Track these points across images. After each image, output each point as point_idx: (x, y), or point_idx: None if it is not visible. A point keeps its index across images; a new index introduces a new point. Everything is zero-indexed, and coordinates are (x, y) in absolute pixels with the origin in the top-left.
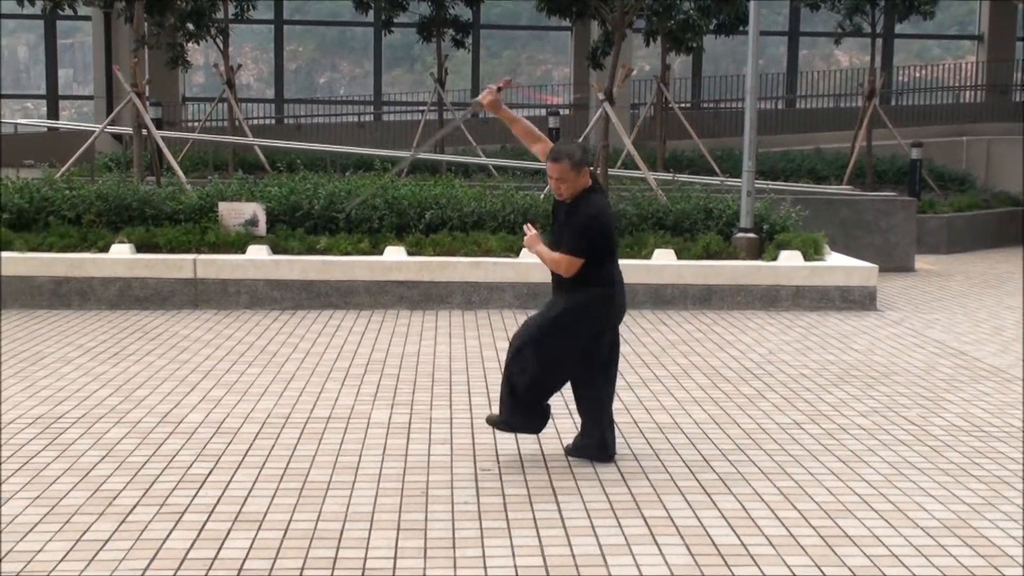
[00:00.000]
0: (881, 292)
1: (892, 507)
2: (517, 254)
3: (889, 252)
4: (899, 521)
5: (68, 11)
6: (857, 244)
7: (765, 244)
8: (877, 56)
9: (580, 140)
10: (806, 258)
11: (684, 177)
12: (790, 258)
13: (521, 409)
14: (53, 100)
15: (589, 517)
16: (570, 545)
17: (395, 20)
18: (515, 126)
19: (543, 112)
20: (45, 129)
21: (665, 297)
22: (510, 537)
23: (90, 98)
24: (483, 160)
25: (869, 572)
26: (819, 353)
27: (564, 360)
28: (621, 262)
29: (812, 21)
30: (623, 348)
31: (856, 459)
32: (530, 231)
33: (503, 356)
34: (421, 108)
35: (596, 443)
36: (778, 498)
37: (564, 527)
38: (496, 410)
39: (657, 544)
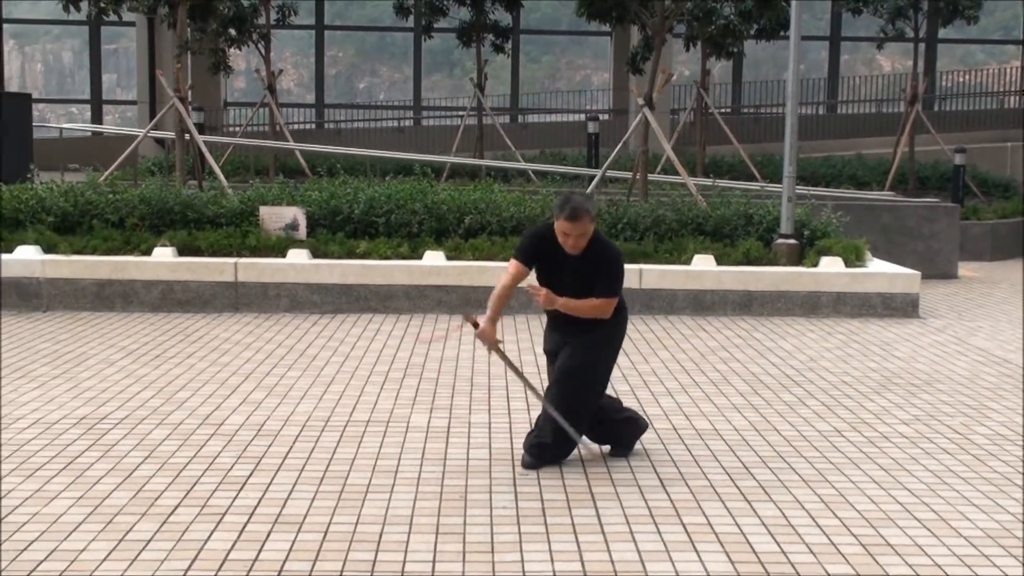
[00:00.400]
0: (924, 299)
1: (935, 516)
2: None
3: (932, 259)
4: (942, 530)
5: (113, 17)
6: (899, 251)
7: (806, 250)
8: (920, 61)
9: (619, 146)
10: (847, 264)
11: (724, 182)
12: (831, 264)
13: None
14: (97, 105)
15: (628, 523)
16: (609, 551)
17: (435, 25)
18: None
19: (582, 117)
20: (89, 133)
21: (705, 303)
22: (548, 542)
23: (133, 103)
24: (522, 165)
25: None
26: (860, 360)
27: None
28: (661, 267)
29: (854, 26)
30: (663, 354)
31: (898, 467)
32: (539, 291)
33: (542, 361)
34: (460, 113)
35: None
36: (819, 506)
37: (603, 532)
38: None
39: (696, 551)
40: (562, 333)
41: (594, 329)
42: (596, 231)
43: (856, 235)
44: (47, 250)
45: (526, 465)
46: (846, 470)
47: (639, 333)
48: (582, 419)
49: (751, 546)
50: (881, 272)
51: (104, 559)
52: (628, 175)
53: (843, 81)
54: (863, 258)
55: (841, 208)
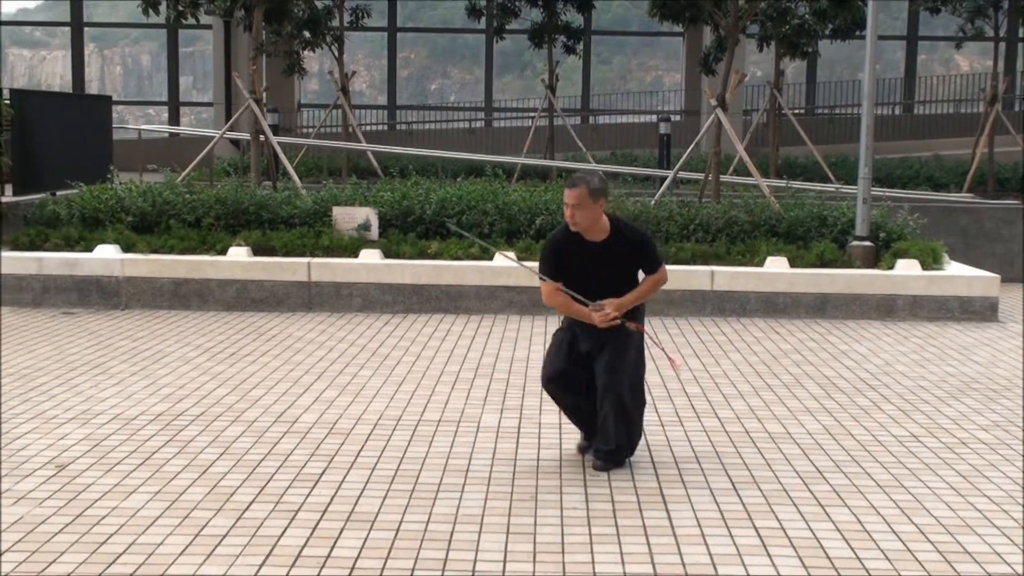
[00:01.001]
0: (1003, 303)
1: (1015, 524)
2: None
3: (1011, 262)
4: (1021, 538)
5: (190, 20)
6: (978, 253)
7: (881, 253)
8: (1000, 60)
9: (691, 147)
10: (924, 267)
11: (797, 184)
12: (907, 267)
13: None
14: (174, 107)
15: (700, 526)
16: (680, 553)
17: (507, 27)
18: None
19: (653, 118)
20: (167, 135)
21: (777, 305)
22: (619, 543)
23: (209, 105)
24: (593, 166)
25: None
26: (938, 365)
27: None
28: (733, 269)
29: (931, 25)
30: (735, 356)
31: (977, 474)
32: (600, 311)
33: None
34: (531, 114)
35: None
36: (895, 512)
37: (674, 535)
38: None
39: (769, 555)
40: (597, 334)
41: (620, 330)
42: (617, 217)
43: (933, 237)
44: (126, 249)
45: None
46: (923, 476)
47: (711, 335)
48: (642, 406)
49: (825, 551)
50: (959, 275)
51: (180, 553)
52: (700, 176)
53: (920, 81)
54: (940, 261)
55: (918, 210)
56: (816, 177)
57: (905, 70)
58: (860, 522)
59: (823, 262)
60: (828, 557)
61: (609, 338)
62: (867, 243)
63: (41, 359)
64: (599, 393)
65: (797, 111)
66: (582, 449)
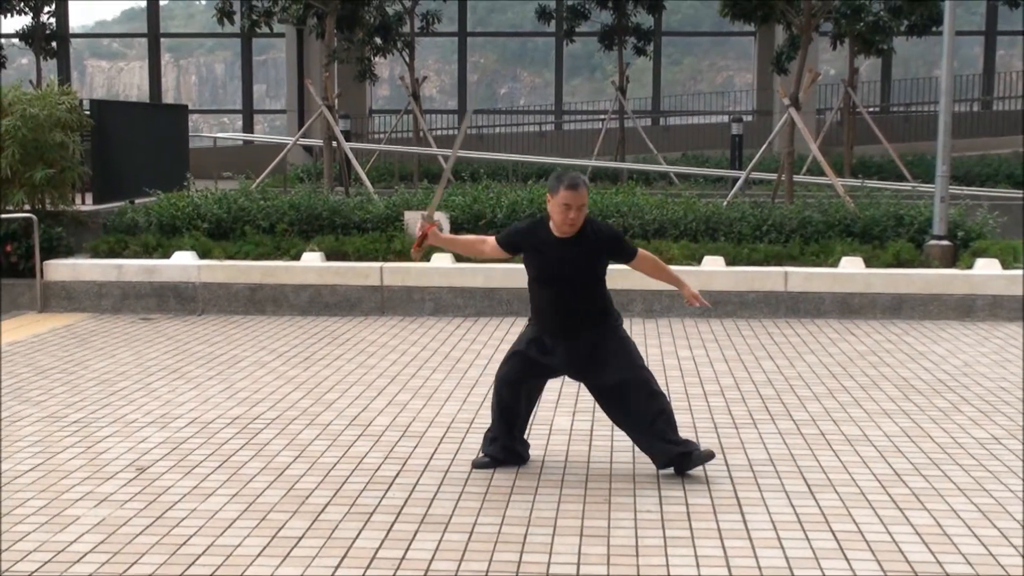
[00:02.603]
0: None
1: None
2: (699, 262)
3: None
4: None
5: (264, 29)
6: None
7: (960, 252)
8: None
9: (763, 147)
10: (1004, 266)
11: (873, 183)
12: (987, 266)
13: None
14: (248, 114)
15: (775, 529)
16: (756, 557)
17: (576, 29)
18: (455, 246)
19: (725, 119)
20: (241, 142)
21: (853, 306)
22: (694, 547)
23: (282, 112)
24: (664, 167)
25: None
26: (1018, 366)
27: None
28: (808, 269)
29: (1010, 19)
30: (809, 358)
31: None
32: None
33: (685, 365)
34: (601, 116)
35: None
36: (976, 515)
37: (750, 538)
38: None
39: (847, 559)
40: (571, 350)
41: (615, 324)
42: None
43: (1014, 236)
44: (202, 255)
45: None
46: (1005, 479)
47: (784, 336)
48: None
49: (904, 555)
50: None
51: (258, 555)
52: (773, 176)
53: (999, 77)
54: (1021, 260)
55: (997, 208)
56: (892, 176)
57: (984, 66)
58: (940, 526)
59: (900, 262)
60: (907, 561)
61: (592, 355)
62: (945, 242)
63: (121, 364)
64: (632, 415)
65: (872, 109)
66: (481, 464)
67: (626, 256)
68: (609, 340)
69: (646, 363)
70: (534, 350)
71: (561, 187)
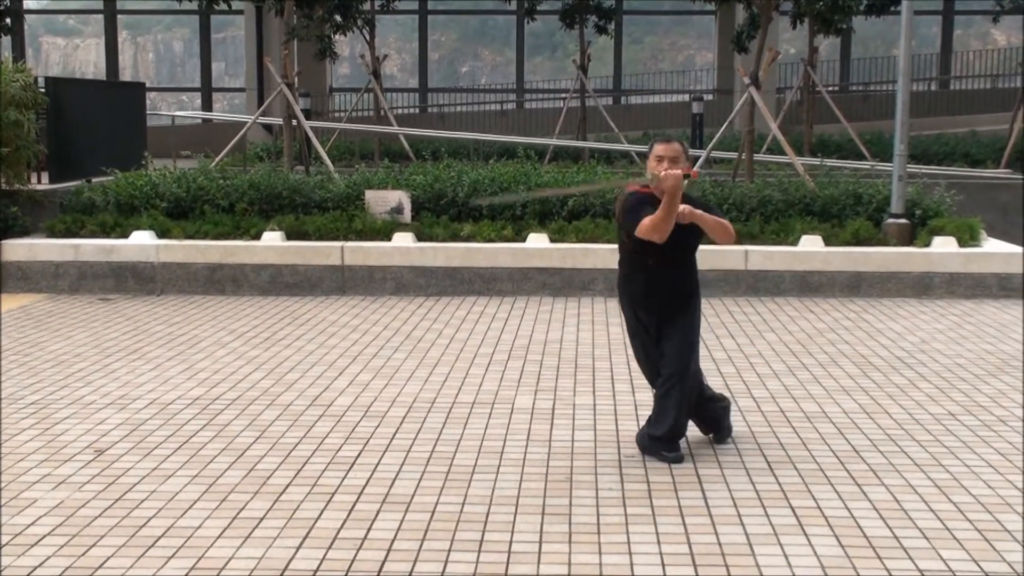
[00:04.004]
0: None
1: None
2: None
3: None
4: None
5: (222, 6)
6: (1016, 230)
7: (917, 230)
8: None
9: (724, 126)
10: (961, 244)
11: (832, 162)
12: (944, 244)
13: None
14: (207, 93)
15: (736, 506)
16: (716, 533)
17: (538, 7)
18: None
19: (686, 98)
20: (200, 121)
21: (812, 284)
22: (655, 524)
23: (242, 90)
24: (625, 146)
25: None
26: (975, 343)
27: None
28: (768, 248)
29: None
30: (769, 336)
31: (1015, 452)
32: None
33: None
34: (563, 95)
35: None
36: (932, 490)
37: (710, 515)
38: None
39: (806, 535)
40: (660, 312)
41: (687, 307)
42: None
43: (971, 214)
44: (161, 235)
45: (679, 460)
46: (961, 454)
47: (745, 315)
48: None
49: (862, 530)
50: (997, 252)
51: (218, 536)
52: (734, 155)
53: (956, 56)
54: (978, 238)
55: (954, 187)
56: (851, 155)
57: (941, 45)
58: (897, 501)
59: (858, 240)
60: (865, 536)
61: (675, 314)
62: (903, 221)
63: (78, 345)
64: (664, 376)
65: (831, 88)
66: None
67: (719, 217)
68: (684, 312)
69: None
70: (639, 342)
71: (657, 143)
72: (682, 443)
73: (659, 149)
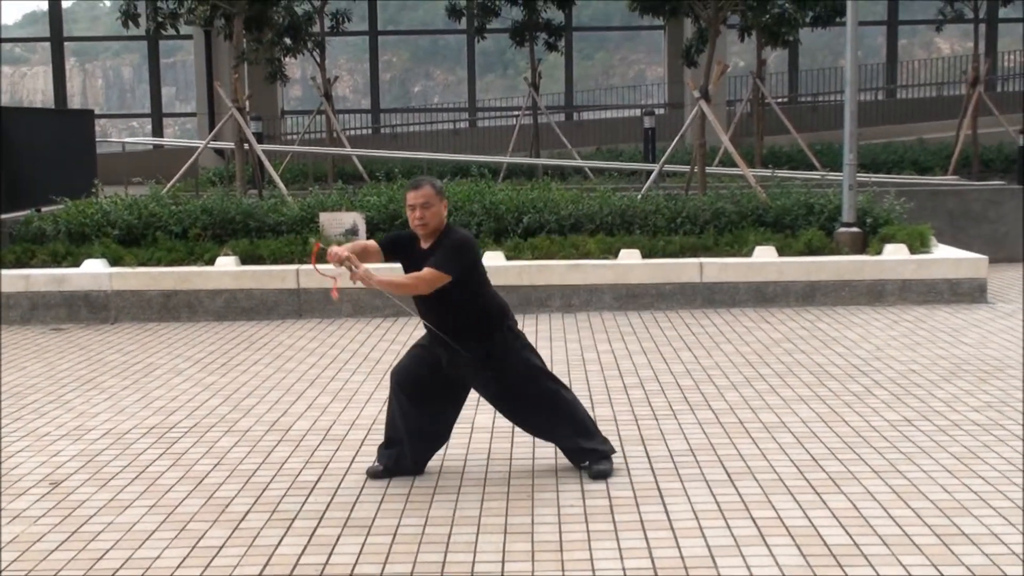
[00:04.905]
0: (992, 284)
1: (1011, 504)
2: (616, 256)
3: (999, 242)
4: (1019, 519)
5: (171, 31)
6: (965, 235)
7: (869, 238)
8: (981, 42)
9: (675, 140)
10: (912, 251)
11: (783, 173)
12: (895, 251)
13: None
14: (157, 118)
15: (697, 519)
16: (678, 547)
17: (488, 26)
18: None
19: (638, 112)
20: (151, 147)
21: (767, 295)
22: (617, 539)
23: (193, 115)
24: (579, 163)
25: (988, 571)
26: (928, 348)
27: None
28: (722, 260)
29: (911, 9)
30: (726, 347)
31: (971, 456)
32: (358, 265)
33: (605, 359)
34: (515, 113)
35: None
36: (891, 496)
37: (672, 529)
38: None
39: (767, 545)
40: (453, 360)
41: (486, 355)
42: (449, 224)
43: (920, 221)
44: (113, 263)
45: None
46: (917, 460)
47: (701, 327)
48: (561, 402)
49: (823, 539)
50: (947, 258)
51: (178, 566)
52: (686, 169)
53: (902, 66)
54: (928, 244)
55: (904, 194)
56: (801, 165)
57: (887, 55)
58: (857, 508)
59: (811, 250)
60: (826, 545)
61: (471, 369)
62: (854, 229)
63: (32, 376)
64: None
65: (780, 100)
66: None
67: (430, 263)
68: (523, 346)
69: (535, 374)
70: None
71: (407, 190)
72: (640, 460)
73: (409, 197)
